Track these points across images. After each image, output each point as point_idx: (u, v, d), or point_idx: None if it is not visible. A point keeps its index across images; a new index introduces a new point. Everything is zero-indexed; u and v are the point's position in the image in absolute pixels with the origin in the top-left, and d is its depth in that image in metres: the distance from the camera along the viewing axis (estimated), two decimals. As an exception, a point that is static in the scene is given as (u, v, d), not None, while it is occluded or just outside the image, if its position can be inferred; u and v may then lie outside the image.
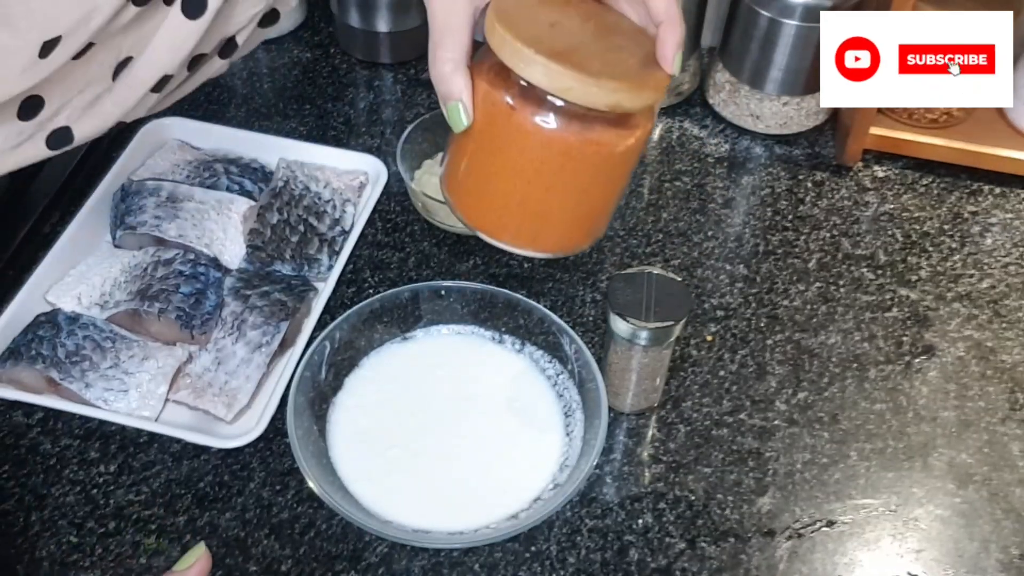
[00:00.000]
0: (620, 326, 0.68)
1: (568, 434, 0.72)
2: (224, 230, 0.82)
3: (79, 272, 0.81)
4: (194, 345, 0.76)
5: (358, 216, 0.86)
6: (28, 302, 0.78)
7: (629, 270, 0.69)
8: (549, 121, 0.51)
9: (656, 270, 0.69)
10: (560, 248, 0.59)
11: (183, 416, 0.74)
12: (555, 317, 0.74)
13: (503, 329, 0.77)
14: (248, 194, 0.86)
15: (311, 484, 0.65)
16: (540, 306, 0.75)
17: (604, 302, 0.81)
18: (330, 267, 0.82)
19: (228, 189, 0.86)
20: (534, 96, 0.51)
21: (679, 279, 0.69)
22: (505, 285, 0.83)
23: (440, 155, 0.90)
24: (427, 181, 0.87)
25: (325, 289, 0.80)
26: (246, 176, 0.87)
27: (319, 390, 0.72)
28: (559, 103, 0.51)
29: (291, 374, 0.72)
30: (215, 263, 0.80)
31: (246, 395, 0.73)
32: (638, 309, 0.67)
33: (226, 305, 0.78)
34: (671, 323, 0.67)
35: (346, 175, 0.88)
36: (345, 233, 0.85)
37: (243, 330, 0.76)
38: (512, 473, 0.70)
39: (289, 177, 0.85)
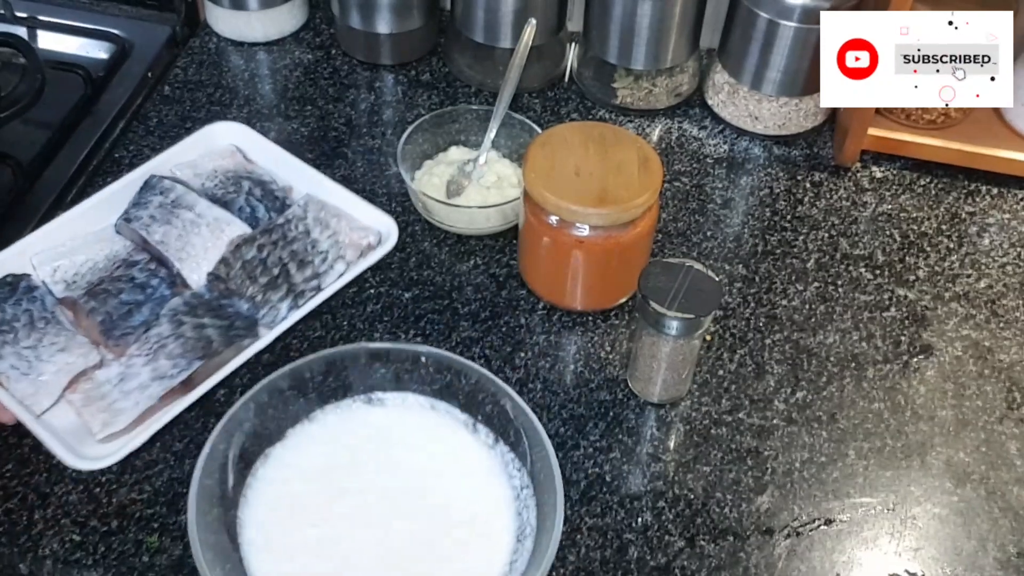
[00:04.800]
0: (646, 310, 0.69)
1: (511, 563, 0.63)
2: (206, 249, 0.80)
3: (71, 246, 0.81)
4: (111, 353, 0.76)
5: (343, 276, 0.80)
6: (14, 257, 0.79)
7: (669, 259, 0.70)
8: (587, 235, 0.75)
9: (697, 265, 0.69)
10: (609, 304, 0.82)
11: (68, 418, 0.72)
12: (527, 409, 0.66)
13: (479, 416, 0.70)
14: (255, 221, 0.83)
15: (190, 532, 0.59)
16: (513, 393, 0.67)
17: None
18: (284, 318, 0.77)
19: (239, 210, 0.84)
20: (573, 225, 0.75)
21: (716, 277, 0.69)
22: (506, 285, 0.83)
23: (440, 154, 0.91)
24: (427, 182, 0.87)
25: (267, 336, 0.75)
26: (264, 202, 0.85)
27: (255, 434, 0.67)
28: (589, 229, 0.75)
29: (181, 415, 0.69)
30: (171, 281, 0.79)
31: (126, 420, 0.70)
32: (665, 296, 0.68)
33: (157, 325, 0.75)
34: (694, 316, 0.68)
35: (358, 231, 0.82)
36: (317, 291, 0.79)
37: (158, 356, 0.73)
38: None
39: (296, 217, 0.82)
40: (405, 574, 0.63)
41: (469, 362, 0.70)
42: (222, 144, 0.90)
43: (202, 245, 0.81)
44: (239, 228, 0.82)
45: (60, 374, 0.73)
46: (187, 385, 0.73)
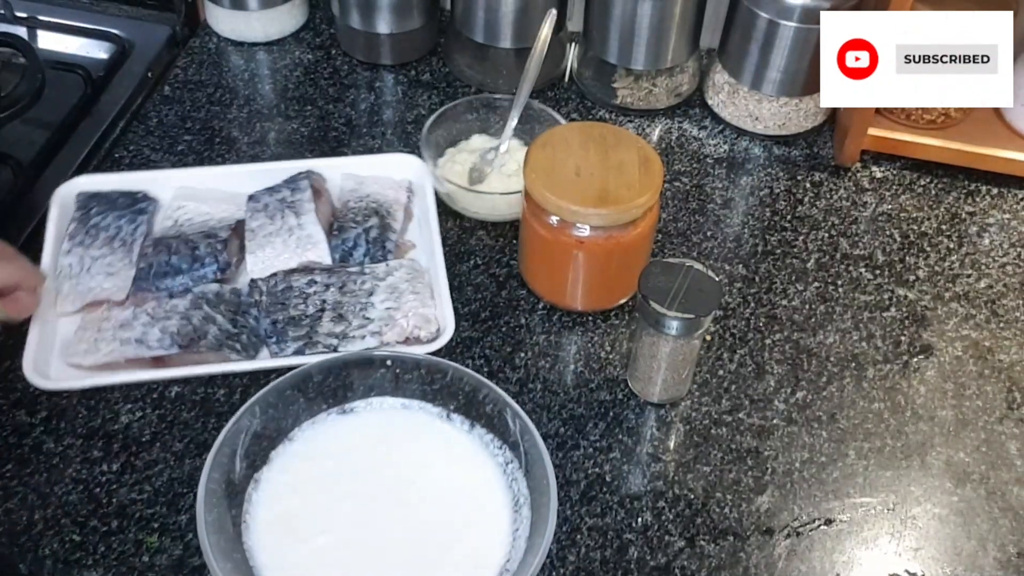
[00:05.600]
0: (646, 310, 0.69)
1: (514, 532, 0.65)
2: (280, 257, 0.81)
3: (207, 196, 0.86)
4: (134, 299, 0.79)
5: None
6: (165, 180, 0.87)
7: (669, 259, 0.70)
8: (587, 235, 0.75)
9: (697, 265, 0.70)
10: (609, 304, 0.82)
11: (68, 330, 0.77)
12: (504, 395, 0.68)
13: (452, 406, 0.71)
14: (347, 256, 0.82)
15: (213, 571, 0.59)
16: (488, 382, 0.68)
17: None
18: (287, 356, 0.75)
19: (345, 240, 0.82)
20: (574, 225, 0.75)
21: (716, 277, 0.70)
22: (506, 285, 0.83)
23: (461, 143, 0.93)
24: (449, 169, 0.88)
25: (259, 362, 0.76)
26: (370, 246, 0.82)
27: (243, 459, 0.66)
28: (589, 230, 0.75)
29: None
30: (223, 268, 0.80)
31: (92, 360, 0.75)
32: (665, 296, 0.68)
33: (180, 298, 0.78)
34: (694, 316, 0.68)
35: (419, 318, 0.77)
36: (332, 351, 0.75)
37: (158, 324, 0.76)
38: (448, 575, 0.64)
39: (373, 274, 0.80)
40: (417, 564, 0.64)
41: (433, 358, 0.71)
42: (400, 175, 0.88)
43: (279, 252, 0.81)
44: (318, 254, 0.81)
45: (91, 292, 0.78)
46: (159, 362, 0.75)
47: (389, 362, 0.71)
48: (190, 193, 0.86)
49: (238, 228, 0.83)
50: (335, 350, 0.75)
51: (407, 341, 0.76)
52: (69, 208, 0.84)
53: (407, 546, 0.65)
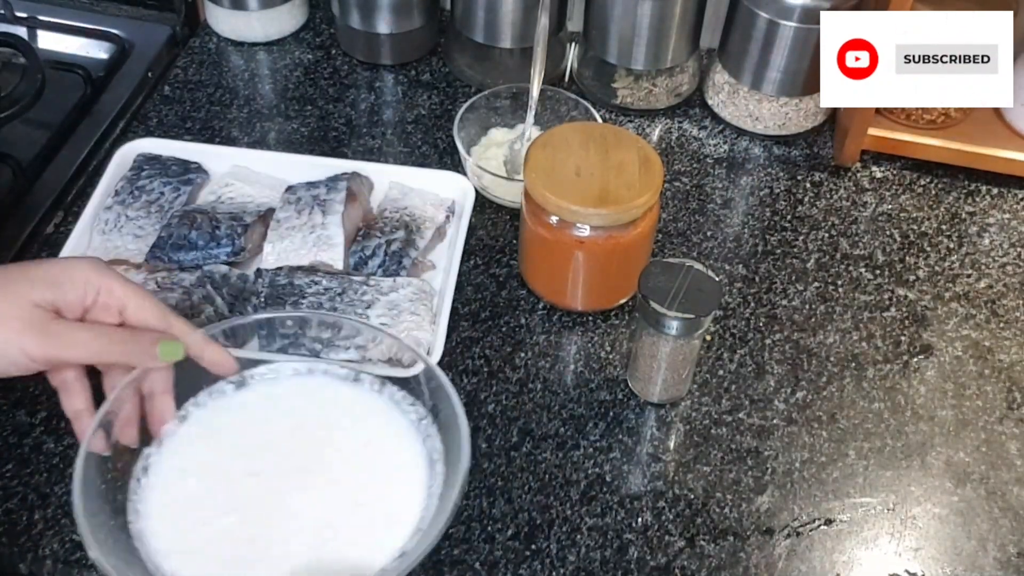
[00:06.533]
0: (646, 310, 0.69)
1: (429, 489, 0.62)
2: (297, 252, 0.81)
3: (255, 178, 0.88)
4: (147, 266, 0.80)
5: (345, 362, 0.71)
6: (225, 157, 0.89)
7: (669, 259, 0.70)
8: (587, 235, 0.75)
9: (697, 265, 0.70)
10: (609, 304, 0.82)
11: None
12: (409, 344, 0.66)
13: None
14: (362, 264, 0.81)
15: (93, 555, 0.53)
16: (393, 334, 0.66)
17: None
18: (271, 351, 0.72)
19: (364, 248, 0.81)
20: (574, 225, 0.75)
21: (716, 277, 0.70)
22: (506, 285, 0.83)
23: (483, 138, 0.94)
24: (486, 163, 0.90)
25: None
26: (387, 258, 0.81)
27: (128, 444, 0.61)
28: (589, 230, 0.75)
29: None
30: (236, 252, 0.81)
31: None
32: (665, 296, 0.68)
33: (188, 274, 0.78)
34: (694, 316, 0.68)
35: (410, 341, 0.74)
36: (314, 356, 0.72)
37: (161, 294, 0.76)
38: (364, 540, 0.60)
39: (377, 287, 0.78)
40: (329, 532, 0.60)
41: (338, 316, 0.71)
42: (446, 193, 0.87)
43: (297, 247, 0.81)
44: (332, 257, 0.81)
45: (115, 250, 0.81)
46: None
47: (290, 322, 0.67)
48: (242, 173, 0.88)
49: (267, 216, 0.84)
50: (317, 356, 0.72)
51: (390, 361, 0.70)
52: (126, 166, 0.87)
53: (319, 515, 0.61)
